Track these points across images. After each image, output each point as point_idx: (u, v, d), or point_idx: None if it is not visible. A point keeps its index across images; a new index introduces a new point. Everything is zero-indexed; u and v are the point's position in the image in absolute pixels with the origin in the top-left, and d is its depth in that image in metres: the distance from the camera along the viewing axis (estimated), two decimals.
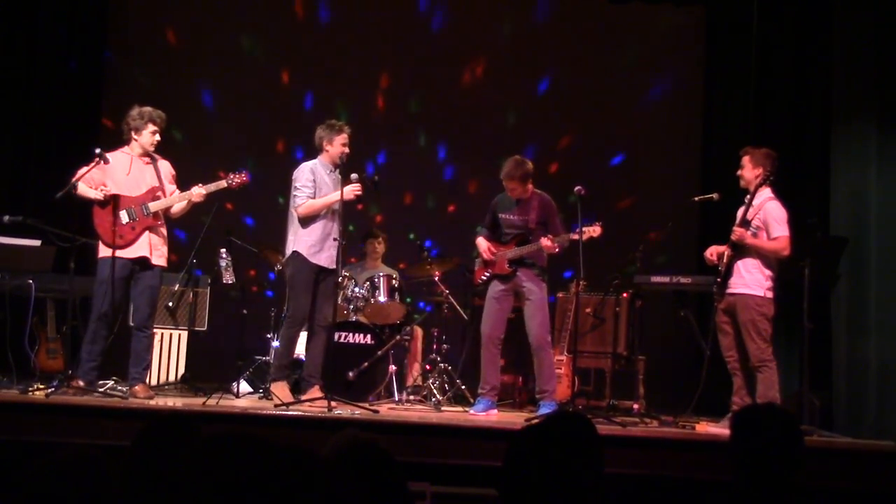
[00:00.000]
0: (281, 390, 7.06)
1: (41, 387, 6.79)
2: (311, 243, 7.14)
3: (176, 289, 8.17)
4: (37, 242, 7.75)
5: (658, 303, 8.62)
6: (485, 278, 7.48)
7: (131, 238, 6.88)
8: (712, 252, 7.03)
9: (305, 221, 7.19)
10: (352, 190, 7.06)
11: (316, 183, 7.18)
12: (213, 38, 9.97)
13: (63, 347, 7.68)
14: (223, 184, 7.08)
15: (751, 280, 6.81)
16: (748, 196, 6.95)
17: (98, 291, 6.87)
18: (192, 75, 9.95)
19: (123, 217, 6.87)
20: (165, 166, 7.20)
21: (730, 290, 6.89)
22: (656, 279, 8.04)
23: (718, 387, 7.74)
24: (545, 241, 7.16)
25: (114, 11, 9.81)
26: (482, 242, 7.51)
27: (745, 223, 6.83)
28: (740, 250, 6.86)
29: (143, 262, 6.96)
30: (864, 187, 7.64)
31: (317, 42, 10.08)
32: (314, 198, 7.15)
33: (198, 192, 7.02)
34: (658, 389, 8.23)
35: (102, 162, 6.86)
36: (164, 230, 7.08)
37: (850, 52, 7.95)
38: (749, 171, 6.93)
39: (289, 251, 7.26)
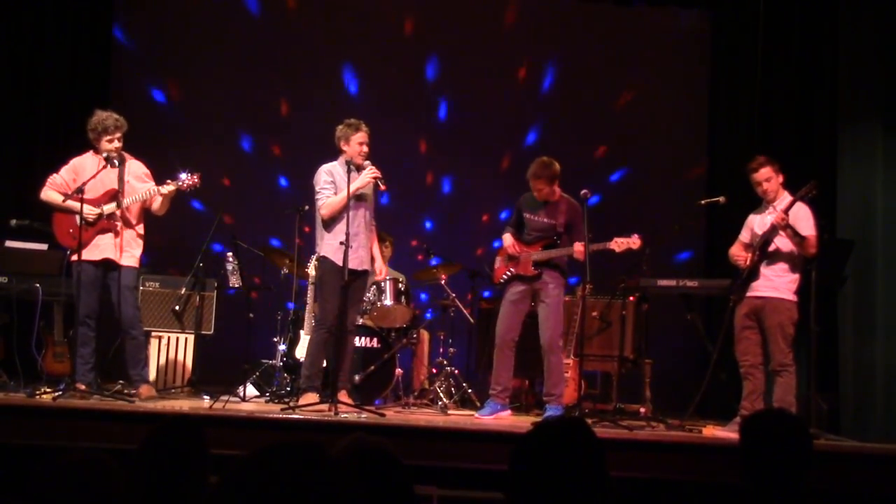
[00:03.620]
0: (307, 400, 6.85)
1: (48, 390, 6.80)
2: (336, 246, 6.96)
3: (182, 292, 8.18)
4: (44, 246, 7.77)
5: (664, 306, 8.61)
6: (507, 276, 7.40)
7: (85, 238, 6.89)
8: (740, 255, 7.00)
9: (329, 224, 7.06)
10: (369, 173, 6.94)
11: (336, 183, 7.02)
12: (221, 40, 9.97)
13: (70, 351, 7.69)
14: (173, 186, 7.02)
15: (780, 283, 6.80)
16: (768, 205, 6.92)
17: (75, 296, 6.96)
18: (198, 79, 9.95)
19: (77, 219, 6.91)
20: (135, 167, 7.22)
21: (756, 294, 6.86)
22: (662, 282, 8.03)
23: (723, 390, 7.75)
24: (578, 247, 7.10)
25: (121, 14, 9.82)
26: (508, 238, 7.45)
27: (773, 229, 6.79)
28: (768, 254, 6.83)
29: (110, 265, 7.00)
30: (871, 190, 7.64)
31: (325, 44, 10.08)
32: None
33: (149, 189, 7.06)
34: (664, 393, 8.21)
35: (111, 166, 6.93)
36: (131, 231, 7.09)
37: (856, 54, 7.95)
38: (775, 180, 6.91)
39: (316, 255, 7.25)
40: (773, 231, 6.78)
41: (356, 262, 7.00)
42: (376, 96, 9.95)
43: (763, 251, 6.84)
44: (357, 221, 7.04)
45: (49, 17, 9.18)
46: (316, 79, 9.96)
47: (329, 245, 7.06)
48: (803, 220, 6.75)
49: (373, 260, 7.40)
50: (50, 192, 7.02)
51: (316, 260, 7.36)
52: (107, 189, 7.03)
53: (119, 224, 7.02)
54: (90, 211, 6.90)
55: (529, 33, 10.18)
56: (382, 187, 7.07)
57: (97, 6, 9.56)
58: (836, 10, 8.26)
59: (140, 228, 7.18)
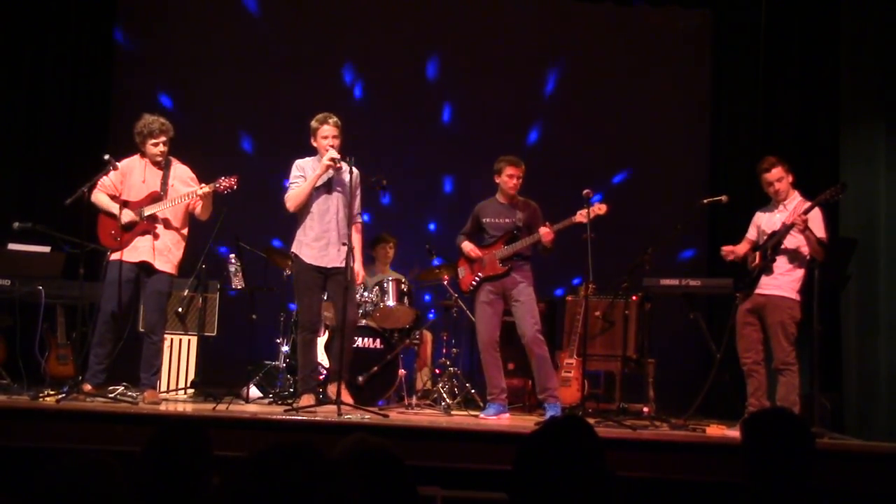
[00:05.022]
0: (307, 403, 6.86)
1: (51, 393, 6.79)
2: (305, 243, 7.03)
3: (185, 294, 8.17)
4: (46, 249, 7.77)
5: (667, 306, 8.60)
6: (475, 283, 7.46)
7: (125, 240, 6.91)
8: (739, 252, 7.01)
9: (299, 220, 7.08)
10: (325, 159, 6.87)
11: (306, 178, 7.02)
12: (222, 43, 9.98)
13: (73, 353, 7.68)
14: (209, 188, 6.98)
15: (784, 282, 6.82)
16: (778, 203, 6.94)
17: (104, 294, 6.93)
18: (200, 80, 9.95)
19: (121, 220, 6.92)
20: (181, 171, 7.21)
21: (759, 291, 6.87)
22: (665, 282, 8.02)
23: (726, 389, 7.74)
24: (543, 230, 7.15)
25: (124, 17, 9.82)
26: (467, 244, 7.52)
27: (786, 229, 6.79)
28: (780, 252, 6.83)
29: (147, 268, 6.99)
30: (873, 189, 7.64)
31: (326, 46, 10.08)
32: None
33: (189, 192, 7.04)
34: (668, 392, 8.21)
35: (112, 168, 6.93)
36: (173, 235, 7.08)
37: (858, 54, 7.95)
38: (786, 180, 6.92)
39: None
40: (785, 231, 6.77)
41: (326, 259, 6.97)
42: (379, 97, 9.95)
43: (776, 250, 6.83)
44: (328, 218, 6.99)
45: (51, 20, 9.19)
46: (318, 80, 9.95)
47: (298, 242, 7.09)
48: (814, 221, 6.75)
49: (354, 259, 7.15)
50: (99, 195, 7.01)
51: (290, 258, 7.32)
52: (150, 191, 7.05)
53: (159, 227, 7.03)
54: (125, 214, 6.91)
55: (531, 33, 10.18)
56: (338, 166, 6.93)
57: (99, 9, 9.57)
58: (838, 10, 8.26)
59: (184, 232, 7.15)
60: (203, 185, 7.05)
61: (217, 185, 7.00)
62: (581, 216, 7.10)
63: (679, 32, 10.12)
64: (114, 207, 6.96)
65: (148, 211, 6.98)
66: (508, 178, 7.36)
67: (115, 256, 6.92)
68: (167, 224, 7.06)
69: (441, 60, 10.17)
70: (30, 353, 7.72)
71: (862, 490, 5.73)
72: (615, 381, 8.28)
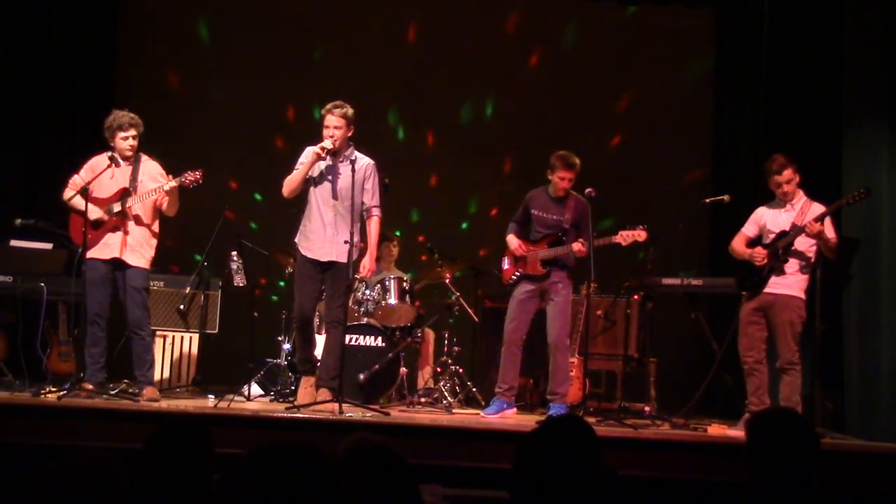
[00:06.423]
0: (304, 387, 6.97)
1: (53, 389, 6.80)
2: (303, 232, 7.01)
3: (187, 291, 8.18)
4: (48, 246, 7.78)
5: (669, 305, 8.60)
6: (515, 277, 7.45)
7: (95, 237, 6.91)
8: (756, 252, 7.00)
9: (301, 208, 7.04)
10: (314, 148, 6.84)
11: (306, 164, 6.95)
12: (223, 41, 9.98)
13: (75, 350, 7.69)
14: (175, 182, 6.93)
15: (793, 281, 6.83)
16: (785, 203, 6.93)
17: (86, 295, 6.91)
18: (201, 78, 9.95)
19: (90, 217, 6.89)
20: (151, 167, 7.17)
21: (769, 290, 6.86)
22: (667, 281, 8.02)
23: (727, 388, 7.74)
24: (577, 246, 7.14)
25: (126, 12, 9.81)
26: (513, 240, 7.48)
27: (798, 230, 6.79)
28: (791, 253, 6.84)
29: (119, 264, 6.98)
30: (876, 188, 7.62)
31: (327, 47, 10.08)
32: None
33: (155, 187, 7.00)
34: (669, 392, 8.22)
35: (114, 165, 6.93)
36: (143, 231, 7.04)
37: (861, 53, 7.94)
38: (794, 180, 6.92)
39: None
40: (798, 232, 6.77)
41: (321, 252, 6.92)
42: (380, 94, 9.94)
43: (788, 251, 6.83)
44: (324, 209, 6.94)
45: (54, 12, 9.18)
46: (322, 77, 9.95)
47: (299, 231, 7.07)
48: (830, 224, 6.75)
49: (361, 254, 7.08)
50: (69, 193, 7.05)
51: None
52: (119, 188, 7.03)
53: (129, 223, 7.01)
54: (93, 212, 6.89)
55: (533, 31, 10.17)
56: (324, 156, 6.85)
57: (103, 6, 9.57)
58: (841, 9, 8.25)
59: (155, 228, 7.14)
60: (170, 178, 7.01)
61: (183, 179, 6.96)
62: (621, 238, 7.10)
63: (682, 31, 10.10)
64: (75, 203, 6.95)
65: (117, 207, 6.96)
66: (560, 179, 7.29)
67: (87, 255, 6.89)
68: (138, 220, 7.04)
69: (443, 59, 10.14)
70: (31, 350, 7.72)
71: (863, 490, 5.72)
72: (616, 380, 8.28)
